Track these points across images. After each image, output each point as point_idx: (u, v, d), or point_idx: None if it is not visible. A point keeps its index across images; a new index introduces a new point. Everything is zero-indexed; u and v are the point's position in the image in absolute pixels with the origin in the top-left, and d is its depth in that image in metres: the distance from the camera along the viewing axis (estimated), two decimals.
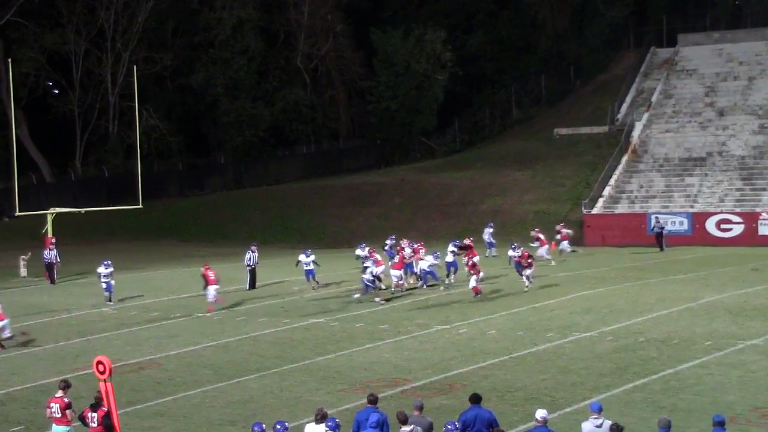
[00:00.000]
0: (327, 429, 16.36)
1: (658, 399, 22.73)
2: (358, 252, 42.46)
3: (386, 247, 47.64)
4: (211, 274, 36.87)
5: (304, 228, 69.60)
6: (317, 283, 41.76)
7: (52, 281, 47.17)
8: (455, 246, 41.97)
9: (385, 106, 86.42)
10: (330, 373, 26.28)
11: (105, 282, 39.65)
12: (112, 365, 18.44)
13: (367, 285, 38.69)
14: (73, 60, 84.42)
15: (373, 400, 17.59)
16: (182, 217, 75.18)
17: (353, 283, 42.05)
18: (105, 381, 18.37)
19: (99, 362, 18.50)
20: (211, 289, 36.70)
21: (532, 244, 49.19)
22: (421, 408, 17.39)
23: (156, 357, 28.96)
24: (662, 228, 56.34)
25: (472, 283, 37.97)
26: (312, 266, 41.41)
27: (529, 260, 40.31)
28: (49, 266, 47.57)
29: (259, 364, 27.46)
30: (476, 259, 39.57)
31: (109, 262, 40.21)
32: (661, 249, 54.70)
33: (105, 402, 18.44)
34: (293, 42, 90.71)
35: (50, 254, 47.62)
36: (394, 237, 48.83)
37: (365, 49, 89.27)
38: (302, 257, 41.63)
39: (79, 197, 74.97)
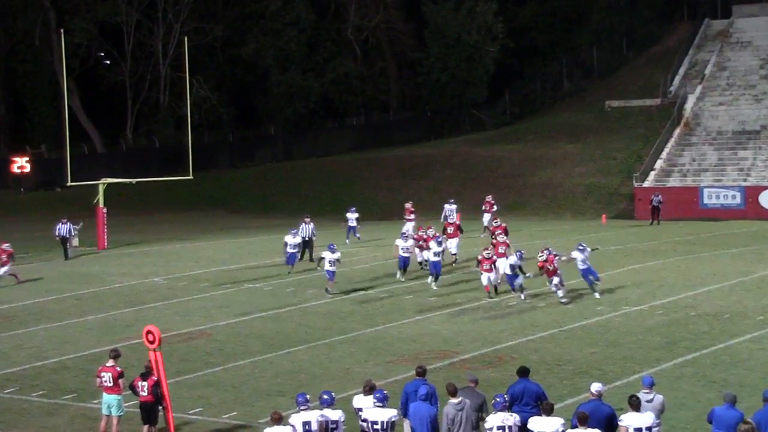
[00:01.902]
0: (375, 401, 16.33)
1: (708, 374, 22.53)
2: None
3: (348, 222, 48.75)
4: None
5: (353, 200, 69.36)
6: (329, 290, 34.24)
7: (66, 256, 44.99)
8: (520, 260, 32.71)
9: (435, 78, 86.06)
10: (379, 344, 26.29)
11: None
12: (162, 335, 18.55)
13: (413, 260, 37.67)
14: (124, 31, 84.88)
15: (422, 372, 17.51)
16: (232, 188, 75.45)
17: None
18: (155, 350, 18.48)
19: (149, 332, 18.60)
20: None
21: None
22: (476, 382, 17.27)
23: (205, 327, 29.11)
24: (660, 202, 55.86)
25: (560, 293, 31.81)
26: (335, 266, 34.43)
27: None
28: (63, 241, 45.36)
29: (308, 335, 27.53)
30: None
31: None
32: (656, 222, 54.96)
33: (155, 371, 18.54)
34: (344, 13, 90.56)
35: (63, 228, 45.44)
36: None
37: (416, 20, 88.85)
38: (327, 254, 34.50)
39: (130, 168, 75.46)
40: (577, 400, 19.08)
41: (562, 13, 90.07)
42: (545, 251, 31.96)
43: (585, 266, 32.16)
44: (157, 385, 18.39)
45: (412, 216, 48.91)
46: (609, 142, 69.34)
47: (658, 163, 63.49)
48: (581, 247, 32.52)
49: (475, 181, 67.84)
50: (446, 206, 49.79)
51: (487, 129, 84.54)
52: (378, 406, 16.22)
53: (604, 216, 57.96)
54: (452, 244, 40.24)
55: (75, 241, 48.75)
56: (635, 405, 15.69)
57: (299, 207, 63.46)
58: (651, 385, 16.61)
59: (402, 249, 36.72)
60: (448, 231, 40.78)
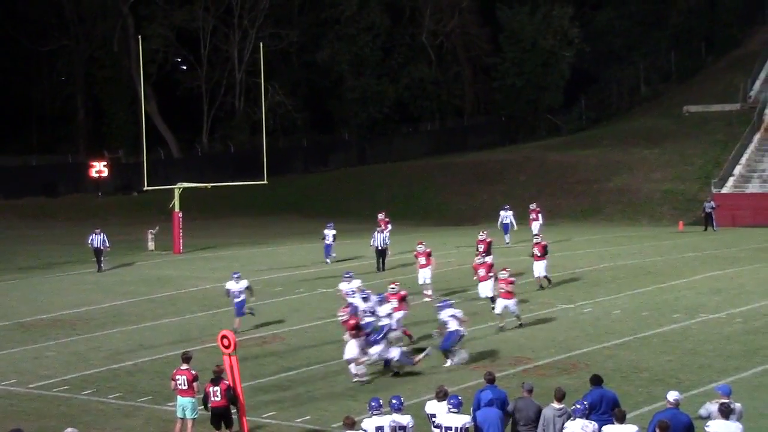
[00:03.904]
0: (450, 406, 16.22)
1: None
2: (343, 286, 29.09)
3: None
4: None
5: (427, 205, 69.51)
6: (236, 329, 27.62)
7: (99, 268, 42.66)
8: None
9: (510, 83, 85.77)
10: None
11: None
12: (236, 338, 18.61)
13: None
14: (201, 37, 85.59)
15: (491, 380, 17.42)
16: (306, 193, 75.76)
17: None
18: (230, 355, 18.53)
19: (224, 336, 18.68)
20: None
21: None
22: (530, 391, 17.06)
23: (279, 331, 29.18)
24: (713, 207, 54.98)
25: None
26: (242, 296, 29.06)
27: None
28: (97, 252, 42.89)
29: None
30: None
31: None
32: (708, 228, 54.21)
33: (230, 376, 18.58)
34: (419, 18, 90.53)
35: (97, 239, 42.92)
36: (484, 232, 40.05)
37: (491, 25, 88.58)
38: (231, 284, 29.36)
39: (206, 172, 76.05)
40: (652, 409, 18.79)
41: (640, 16, 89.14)
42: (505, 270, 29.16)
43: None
44: (229, 389, 18.43)
45: (388, 228, 44.76)
46: (687, 147, 68.45)
47: (737, 169, 62.51)
48: (347, 276, 28.72)
49: (550, 186, 67.41)
50: (502, 212, 49.25)
51: (562, 134, 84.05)
52: (453, 412, 16.14)
53: (681, 223, 57.18)
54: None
55: (151, 245, 49.27)
56: (725, 412, 15.35)
57: (373, 212, 63.37)
58: (729, 394, 16.26)
59: (347, 293, 27.95)
60: (479, 249, 36.84)
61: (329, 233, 43.86)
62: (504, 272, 29.03)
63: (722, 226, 55.23)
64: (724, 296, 32.89)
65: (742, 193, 60.30)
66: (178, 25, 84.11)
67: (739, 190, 60.80)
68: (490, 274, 31.17)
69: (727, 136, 67.55)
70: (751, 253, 44.51)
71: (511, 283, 28.62)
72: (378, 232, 41.42)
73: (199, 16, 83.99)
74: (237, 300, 29.04)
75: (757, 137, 65.37)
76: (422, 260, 35.05)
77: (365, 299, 26.34)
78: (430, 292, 33.97)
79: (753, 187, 61.14)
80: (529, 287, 34.86)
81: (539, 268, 35.25)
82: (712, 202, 55.62)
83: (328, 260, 43.48)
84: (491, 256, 36.31)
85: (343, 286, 28.36)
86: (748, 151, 64.18)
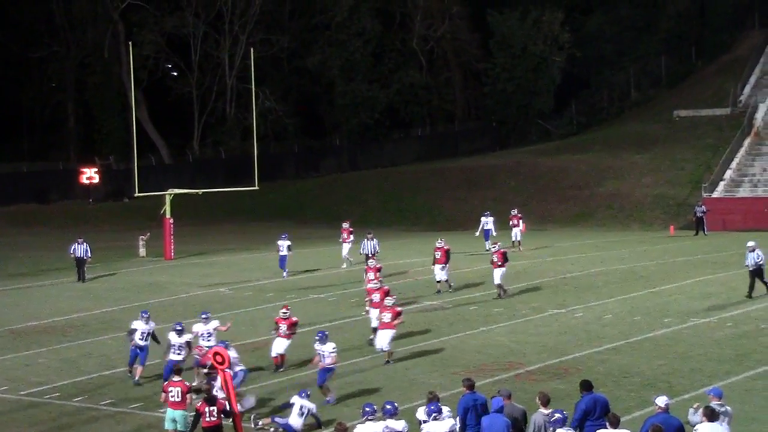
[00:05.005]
0: (430, 413, 16.28)
1: None
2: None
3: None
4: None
5: (418, 210, 69.53)
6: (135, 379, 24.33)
7: (82, 279, 41.49)
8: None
9: (501, 88, 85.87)
10: (443, 355, 26.15)
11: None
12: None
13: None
14: (191, 43, 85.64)
15: (470, 386, 17.39)
16: (298, 198, 75.73)
17: (466, 267, 41.83)
18: (224, 371, 18.44)
19: (216, 353, 18.56)
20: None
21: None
22: (509, 396, 16.97)
23: (271, 337, 29.09)
24: (704, 212, 55.36)
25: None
26: (147, 341, 24.60)
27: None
28: (79, 262, 41.58)
29: (372, 345, 27.38)
30: None
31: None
32: (699, 232, 54.47)
33: (225, 390, 18.42)
34: (409, 24, 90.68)
35: (79, 248, 41.65)
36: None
37: (482, 30, 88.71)
38: (138, 324, 24.79)
39: (197, 178, 76.12)
40: (644, 413, 18.79)
41: (630, 21, 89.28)
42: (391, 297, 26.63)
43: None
44: (225, 409, 18.17)
45: (350, 238, 44.11)
46: (677, 152, 68.57)
47: (728, 174, 62.63)
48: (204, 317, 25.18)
49: (541, 191, 67.49)
50: (483, 219, 48.88)
51: (553, 139, 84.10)
52: (435, 419, 16.16)
53: (672, 227, 57.28)
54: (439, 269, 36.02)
55: (142, 251, 49.19)
56: (710, 416, 15.39)
57: (364, 217, 63.57)
58: (721, 396, 16.32)
59: (201, 335, 24.56)
60: (436, 256, 36.20)
61: (283, 244, 41.23)
62: (390, 299, 26.21)
63: (713, 230, 55.33)
64: (714, 301, 32.94)
65: (732, 198, 60.40)
66: (169, 31, 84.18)
67: (730, 194, 60.91)
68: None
69: (718, 140, 67.69)
70: (741, 257, 44.38)
71: (398, 314, 25.69)
72: (368, 239, 41.08)
73: (190, 22, 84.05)
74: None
75: (747, 142, 65.50)
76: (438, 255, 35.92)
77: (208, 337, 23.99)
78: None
79: (743, 192, 61.28)
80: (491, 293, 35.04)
81: (498, 276, 34.67)
82: (703, 207, 55.76)
83: (285, 274, 41.15)
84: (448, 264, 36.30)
85: (198, 328, 24.57)
86: (739, 155, 64.30)
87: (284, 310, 25.52)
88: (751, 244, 33.09)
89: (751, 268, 32.97)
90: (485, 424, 16.34)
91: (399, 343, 27.46)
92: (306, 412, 19.55)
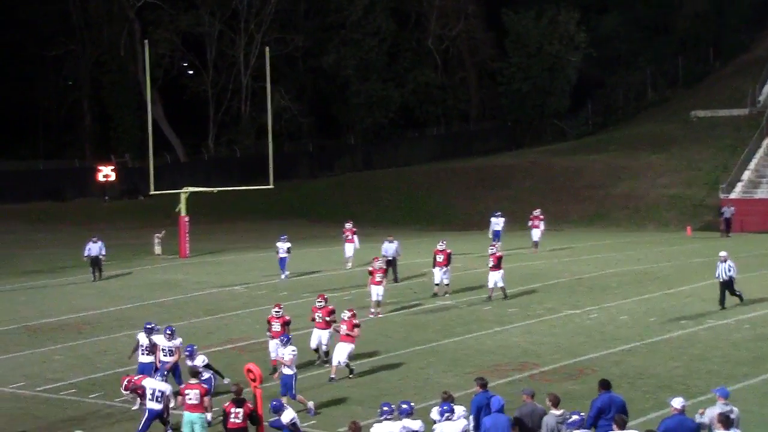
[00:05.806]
0: (442, 412, 16.23)
1: None
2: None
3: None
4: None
5: (433, 210, 69.42)
6: None
7: (99, 274, 41.16)
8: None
9: (516, 88, 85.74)
10: (458, 355, 26.08)
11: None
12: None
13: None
14: (207, 41, 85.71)
15: (483, 385, 17.39)
16: (312, 197, 75.71)
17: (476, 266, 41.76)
18: (256, 388, 18.37)
19: (248, 370, 18.49)
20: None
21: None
22: (532, 395, 16.95)
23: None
24: (732, 213, 55.17)
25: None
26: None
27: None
28: (94, 261, 41.05)
29: (387, 344, 27.39)
30: None
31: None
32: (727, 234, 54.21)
33: (258, 407, 18.25)
34: (424, 23, 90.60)
35: (94, 247, 41.14)
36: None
37: (497, 30, 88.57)
38: (160, 341, 22.79)
39: (212, 177, 76.14)
40: (660, 415, 18.68)
41: (646, 21, 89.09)
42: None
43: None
44: (252, 413, 18.03)
45: (354, 238, 43.37)
46: (694, 152, 68.32)
47: (746, 174, 62.31)
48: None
49: (556, 192, 67.30)
50: (493, 219, 48.58)
51: (568, 139, 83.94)
52: (447, 419, 16.10)
53: (689, 228, 57.04)
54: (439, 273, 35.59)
55: (157, 249, 49.18)
56: (725, 422, 15.22)
57: (378, 217, 63.53)
58: (727, 396, 16.19)
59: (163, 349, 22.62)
60: (437, 259, 35.53)
61: (282, 246, 40.40)
62: (347, 312, 24.88)
63: (732, 231, 55.08)
64: (731, 302, 32.75)
65: (750, 199, 60.11)
66: (185, 29, 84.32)
67: (748, 195, 60.62)
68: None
69: (736, 141, 67.41)
70: (759, 259, 44.31)
71: (356, 326, 24.36)
72: (388, 242, 39.20)
73: (205, 21, 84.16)
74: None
75: (765, 142, 65.18)
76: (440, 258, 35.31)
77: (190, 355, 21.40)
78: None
79: (762, 193, 60.93)
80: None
81: (493, 279, 34.20)
82: (732, 208, 55.49)
83: (283, 275, 40.37)
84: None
85: (160, 341, 22.68)
86: (757, 156, 63.99)
87: (277, 309, 24.99)
88: (723, 254, 32.16)
89: (721, 280, 32.04)
90: (488, 425, 16.28)
91: (413, 342, 27.45)
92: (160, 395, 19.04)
